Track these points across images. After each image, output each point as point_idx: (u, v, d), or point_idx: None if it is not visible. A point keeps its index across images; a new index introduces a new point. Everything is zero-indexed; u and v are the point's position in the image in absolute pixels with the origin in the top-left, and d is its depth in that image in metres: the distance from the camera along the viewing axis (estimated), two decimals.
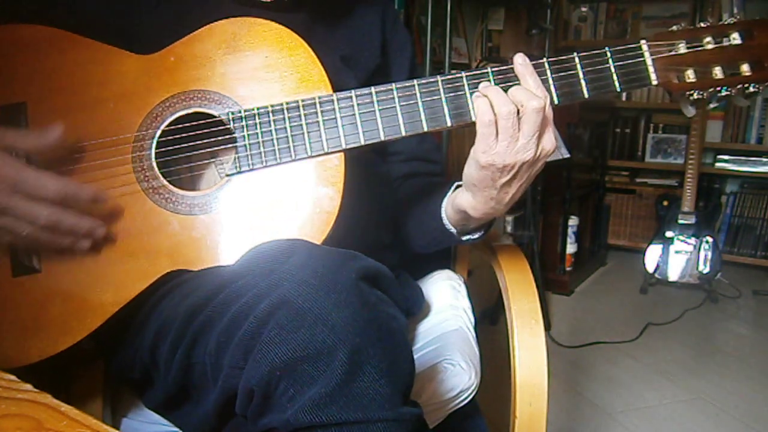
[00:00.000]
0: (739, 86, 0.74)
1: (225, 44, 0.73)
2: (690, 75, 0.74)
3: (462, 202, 0.78)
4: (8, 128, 0.65)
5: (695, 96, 0.76)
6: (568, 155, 2.38)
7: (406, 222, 0.95)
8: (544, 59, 0.73)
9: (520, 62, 0.72)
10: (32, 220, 0.63)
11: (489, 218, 0.80)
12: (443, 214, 0.84)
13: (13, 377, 0.48)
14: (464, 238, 0.86)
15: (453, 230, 0.84)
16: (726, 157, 3.25)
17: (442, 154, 1.04)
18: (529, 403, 0.84)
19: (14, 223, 0.63)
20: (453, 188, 0.83)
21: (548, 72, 0.73)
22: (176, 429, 0.75)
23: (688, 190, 2.85)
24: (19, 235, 0.64)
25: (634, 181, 3.56)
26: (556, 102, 0.73)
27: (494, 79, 0.73)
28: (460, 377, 0.83)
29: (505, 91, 0.70)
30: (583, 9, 3.63)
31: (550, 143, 0.70)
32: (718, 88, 0.75)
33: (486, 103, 0.69)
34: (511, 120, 0.68)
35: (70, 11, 0.77)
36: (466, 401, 0.84)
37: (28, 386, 0.46)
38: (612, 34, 3.60)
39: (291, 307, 0.55)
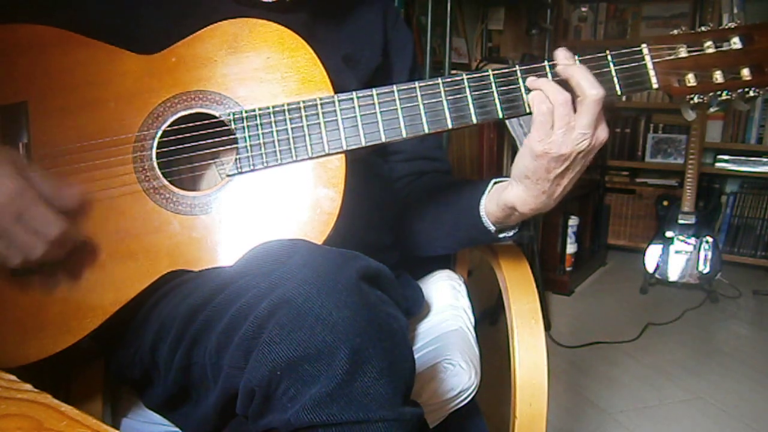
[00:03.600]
0: (739, 90, 0.75)
1: (226, 45, 0.73)
2: (691, 79, 0.74)
3: (511, 197, 0.75)
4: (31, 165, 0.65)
5: (696, 100, 0.76)
6: None
7: (421, 221, 0.93)
8: (545, 62, 0.73)
9: (564, 56, 0.72)
10: (27, 252, 0.63)
11: (536, 213, 0.77)
12: (482, 212, 0.81)
13: (13, 377, 0.48)
14: (501, 235, 0.84)
15: (492, 228, 0.82)
16: (726, 157, 3.25)
17: (444, 151, 1.03)
18: (529, 403, 0.84)
19: (6, 250, 0.63)
20: (491, 185, 0.81)
21: (549, 75, 0.73)
22: (176, 429, 0.75)
23: (688, 190, 2.85)
24: (7, 261, 0.64)
25: (634, 181, 3.56)
26: None
27: (495, 81, 0.73)
28: (460, 377, 0.83)
29: (513, 92, 0.70)
30: (583, 9, 3.63)
31: (605, 132, 0.70)
32: (719, 92, 0.75)
33: (541, 93, 0.70)
34: (567, 108, 0.68)
35: (72, 11, 0.77)
36: (466, 401, 0.84)
37: (28, 386, 0.46)
38: (612, 34, 3.60)
39: (291, 306, 0.55)
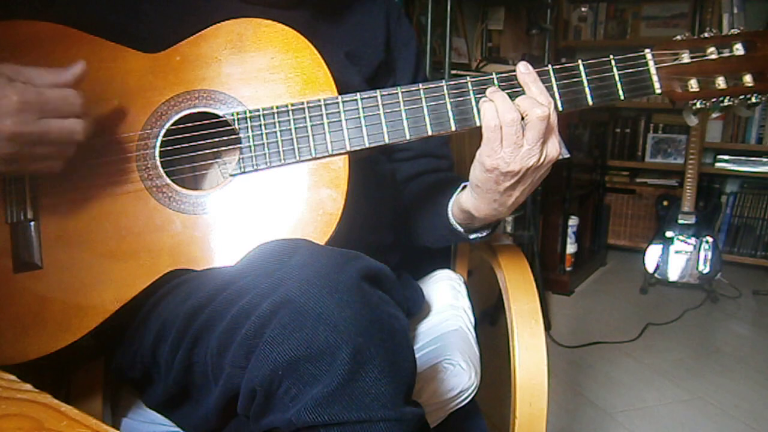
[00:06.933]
0: (741, 97, 0.75)
1: (231, 44, 0.73)
2: (693, 84, 0.75)
3: (466, 202, 0.78)
4: (25, 66, 0.62)
5: (698, 105, 0.76)
6: (568, 155, 2.37)
7: (415, 219, 0.96)
8: (549, 66, 0.73)
9: (523, 70, 0.72)
10: (71, 136, 0.62)
11: (492, 219, 0.80)
12: (449, 213, 0.84)
13: (13, 377, 0.48)
14: (472, 236, 0.86)
15: (460, 229, 0.85)
16: (726, 157, 3.24)
17: (449, 147, 1.04)
18: (529, 403, 0.84)
19: (55, 147, 0.62)
20: (460, 188, 0.83)
21: (553, 79, 0.73)
22: (177, 429, 0.75)
23: (688, 190, 2.85)
24: (65, 152, 0.63)
25: (634, 181, 3.56)
26: (560, 109, 0.73)
27: (499, 84, 0.73)
28: (460, 377, 0.83)
29: (512, 98, 0.70)
30: (583, 9, 3.63)
31: (555, 150, 0.71)
32: (721, 98, 0.75)
33: (492, 108, 0.70)
34: (514, 127, 0.68)
35: (74, 8, 0.77)
36: (466, 401, 0.84)
37: (28, 386, 0.46)
38: (612, 34, 3.59)
39: (293, 306, 0.55)
